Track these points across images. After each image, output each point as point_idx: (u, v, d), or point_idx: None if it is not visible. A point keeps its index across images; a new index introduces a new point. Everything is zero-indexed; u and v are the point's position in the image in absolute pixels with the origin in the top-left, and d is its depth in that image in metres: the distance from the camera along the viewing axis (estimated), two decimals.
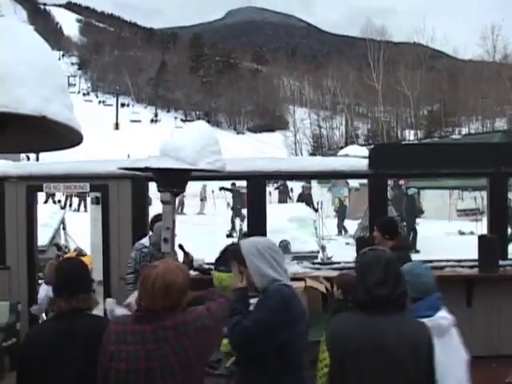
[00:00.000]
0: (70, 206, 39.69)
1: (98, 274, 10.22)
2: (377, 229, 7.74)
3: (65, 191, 16.06)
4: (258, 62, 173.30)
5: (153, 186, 6.39)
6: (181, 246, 8.10)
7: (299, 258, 11.42)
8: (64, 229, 18.54)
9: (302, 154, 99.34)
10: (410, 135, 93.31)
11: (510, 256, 9.91)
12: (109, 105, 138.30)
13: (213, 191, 37.17)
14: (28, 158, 57.42)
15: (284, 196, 34.35)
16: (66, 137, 2.90)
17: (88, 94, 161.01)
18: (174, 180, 5.58)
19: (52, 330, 4.04)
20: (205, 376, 3.78)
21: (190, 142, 5.50)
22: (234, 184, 29.32)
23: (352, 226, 24.68)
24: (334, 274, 7.29)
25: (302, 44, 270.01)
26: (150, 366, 3.37)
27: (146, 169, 5.54)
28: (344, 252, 16.61)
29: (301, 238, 16.95)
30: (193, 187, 35.98)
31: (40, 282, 9.89)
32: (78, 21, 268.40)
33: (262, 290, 4.21)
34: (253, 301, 4.36)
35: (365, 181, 10.77)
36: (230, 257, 4.74)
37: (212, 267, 8.37)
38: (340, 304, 5.79)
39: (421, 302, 4.54)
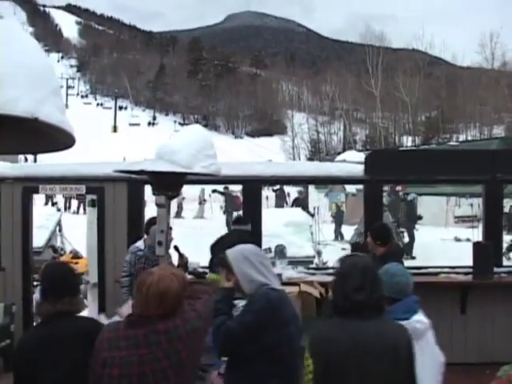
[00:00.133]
0: (70, 208, 39.73)
1: (93, 277, 10.24)
2: (369, 234, 7.80)
3: (61, 193, 16.02)
4: (257, 66, 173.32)
5: (148, 189, 6.39)
6: (176, 248, 8.12)
7: (295, 262, 11.44)
8: (60, 231, 18.54)
9: (299, 159, 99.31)
10: (408, 141, 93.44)
11: (504, 263, 9.92)
12: (107, 108, 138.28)
13: (210, 195, 37.22)
14: (26, 160, 57.43)
15: (281, 201, 34.37)
16: (58, 139, 2.90)
17: (86, 96, 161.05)
18: (168, 183, 5.58)
19: (40, 335, 4.06)
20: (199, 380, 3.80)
21: (185, 146, 5.50)
22: (226, 188, 29.32)
23: (349, 231, 24.65)
24: (329, 279, 7.27)
25: (300, 49, 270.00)
26: (142, 370, 3.37)
27: (141, 172, 5.54)
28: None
29: (297, 242, 16.98)
30: (191, 191, 36.05)
31: (35, 283, 9.90)
32: (78, 23, 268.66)
33: (251, 295, 4.22)
34: (239, 303, 4.38)
35: (362, 186, 10.79)
36: (218, 265, 4.77)
37: (206, 271, 8.42)
38: None
39: (398, 304, 4.60)
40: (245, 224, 9.09)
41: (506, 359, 3.58)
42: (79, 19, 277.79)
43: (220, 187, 28.53)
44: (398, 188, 26.65)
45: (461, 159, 9.83)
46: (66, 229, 19.09)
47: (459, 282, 9.41)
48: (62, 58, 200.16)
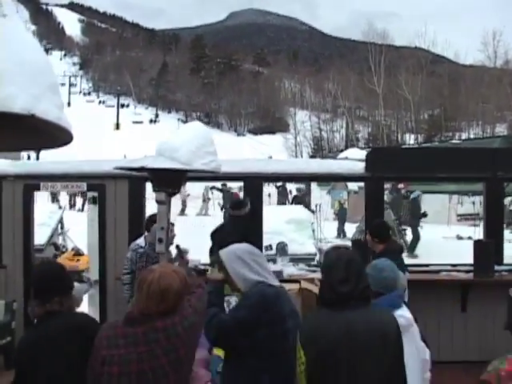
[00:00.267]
0: (75, 205, 39.84)
1: (95, 274, 10.25)
2: (368, 232, 7.86)
3: (62, 190, 16.03)
4: (260, 64, 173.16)
5: (150, 186, 6.40)
6: (178, 247, 8.12)
7: (296, 259, 11.44)
8: (62, 228, 18.57)
9: (302, 157, 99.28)
10: (411, 139, 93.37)
11: (505, 261, 9.91)
12: (110, 106, 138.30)
13: (212, 192, 37.25)
14: (29, 157, 57.62)
15: (283, 198, 34.40)
16: (56, 136, 2.91)
17: (89, 94, 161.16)
18: (169, 180, 5.59)
19: (34, 335, 4.07)
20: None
21: (185, 143, 5.51)
22: (224, 184, 29.29)
23: (351, 229, 24.65)
24: None
25: (303, 47, 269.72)
26: (141, 368, 3.37)
27: (142, 169, 5.55)
28: None
29: (298, 240, 16.99)
30: (195, 188, 36.10)
31: None
32: (80, 21, 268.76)
33: (246, 292, 4.23)
34: (231, 299, 4.39)
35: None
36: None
37: (207, 268, 8.44)
38: None
39: (382, 298, 4.67)
40: (240, 209, 9.07)
41: None
42: (82, 17, 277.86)
43: (225, 183, 28.52)
44: (401, 186, 26.63)
45: (462, 157, 9.83)
46: (71, 226, 19.11)
47: (460, 280, 9.42)
48: (65, 55, 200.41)
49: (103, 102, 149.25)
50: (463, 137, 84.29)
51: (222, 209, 31.35)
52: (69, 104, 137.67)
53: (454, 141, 59.47)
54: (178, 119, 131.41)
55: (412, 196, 23.21)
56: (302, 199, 28.33)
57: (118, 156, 40.81)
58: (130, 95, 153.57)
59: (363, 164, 9.74)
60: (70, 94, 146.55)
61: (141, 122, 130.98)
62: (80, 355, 3.69)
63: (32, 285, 4.23)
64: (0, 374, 7.99)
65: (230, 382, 4.21)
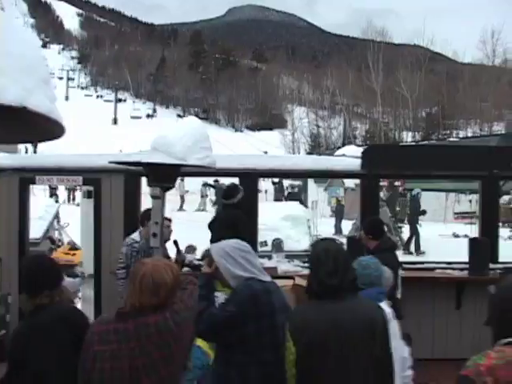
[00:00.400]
0: (74, 199, 39.85)
1: (88, 268, 10.24)
2: (362, 228, 7.90)
3: (58, 184, 16.00)
4: (258, 60, 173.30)
5: (145, 181, 6.39)
6: (175, 243, 8.13)
7: (292, 256, 11.43)
8: (58, 222, 18.55)
9: (299, 153, 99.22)
10: (408, 137, 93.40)
11: (500, 259, 9.92)
12: (108, 100, 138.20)
13: (209, 189, 37.30)
14: (26, 151, 57.67)
15: (280, 194, 34.42)
16: (47, 129, 2.90)
17: (87, 88, 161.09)
18: (163, 175, 5.58)
19: (24, 327, 4.07)
20: None
21: (181, 138, 5.50)
22: (216, 180, 29.25)
23: (348, 226, 24.64)
24: None
25: (301, 43, 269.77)
26: (134, 363, 3.37)
27: (136, 163, 5.55)
28: None
29: (294, 236, 16.98)
30: (194, 184, 36.13)
31: None
32: (79, 15, 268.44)
33: (235, 287, 4.25)
34: (220, 295, 4.39)
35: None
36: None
37: (202, 263, 8.44)
38: None
39: (363, 292, 4.69)
40: (232, 198, 9.03)
41: None
42: (80, 11, 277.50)
43: (218, 179, 28.50)
44: (397, 183, 26.65)
45: (458, 155, 9.82)
46: (68, 221, 19.05)
47: (455, 278, 9.42)
48: (63, 49, 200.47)
49: (101, 97, 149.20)
50: (461, 135, 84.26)
51: (213, 205, 31.39)
52: (67, 98, 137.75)
53: (451, 139, 59.44)
54: (178, 115, 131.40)
55: (412, 193, 23.25)
56: (297, 195, 28.31)
57: (116, 151, 40.86)
58: (128, 90, 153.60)
59: (359, 161, 9.74)
60: (67, 88, 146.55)
61: (139, 118, 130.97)
62: (70, 348, 3.70)
63: (22, 278, 4.24)
64: None
65: (220, 376, 4.21)
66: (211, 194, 36.04)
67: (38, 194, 31.99)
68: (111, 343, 3.42)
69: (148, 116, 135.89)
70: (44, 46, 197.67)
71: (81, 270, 11.04)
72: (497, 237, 9.84)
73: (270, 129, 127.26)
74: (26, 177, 9.70)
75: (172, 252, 8.13)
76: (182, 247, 8.98)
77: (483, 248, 9.28)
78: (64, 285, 4.46)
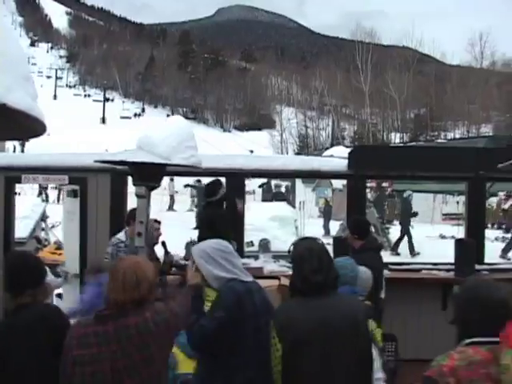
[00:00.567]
0: (63, 199, 39.58)
1: (70, 268, 10.17)
2: (347, 228, 7.94)
3: (44, 183, 15.98)
4: (247, 60, 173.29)
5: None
6: (163, 244, 8.11)
7: (279, 257, 11.42)
8: (44, 222, 18.46)
9: (287, 154, 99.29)
10: (396, 138, 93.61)
11: (488, 261, 9.95)
12: (97, 100, 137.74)
13: (191, 188, 37.22)
14: (14, 150, 57.59)
15: (268, 195, 34.36)
16: (28, 126, 2.88)
17: (75, 87, 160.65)
18: (148, 174, 5.56)
19: (3, 326, 4.02)
20: None
21: (165, 137, 5.48)
22: (199, 181, 29.11)
23: (336, 226, 24.62)
24: None
25: (291, 44, 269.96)
26: (115, 366, 3.37)
27: (121, 162, 5.52)
28: None
29: (281, 237, 16.95)
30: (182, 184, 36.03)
31: None
32: (68, 13, 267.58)
33: (219, 290, 4.24)
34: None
35: None
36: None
37: (188, 263, 8.42)
38: None
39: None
40: (214, 195, 8.98)
41: None
42: (69, 10, 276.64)
43: (200, 179, 28.31)
44: (385, 184, 26.70)
45: (444, 156, 9.84)
46: (56, 220, 18.96)
47: (441, 279, 9.44)
48: (52, 48, 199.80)
49: (88, 96, 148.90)
50: (449, 137, 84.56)
51: (196, 206, 31.32)
52: (55, 97, 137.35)
53: (439, 140, 59.62)
54: (168, 115, 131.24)
55: (403, 195, 23.30)
56: (281, 195, 28.28)
57: (102, 150, 40.73)
58: (117, 89, 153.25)
59: (346, 162, 9.74)
60: (56, 87, 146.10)
61: (129, 118, 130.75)
62: (49, 349, 3.66)
63: (4, 276, 4.12)
64: None
65: (205, 380, 4.20)
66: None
67: (27, 193, 31.91)
68: (91, 347, 3.41)
69: (135, 115, 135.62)
70: (32, 44, 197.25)
71: (64, 270, 10.97)
72: (483, 238, 9.87)
73: (259, 129, 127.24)
74: (12, 176, 9.63)
75: (160, 253, 8.13)
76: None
77: (469, 249, 9.29)
78: (47, 282, 4.43)
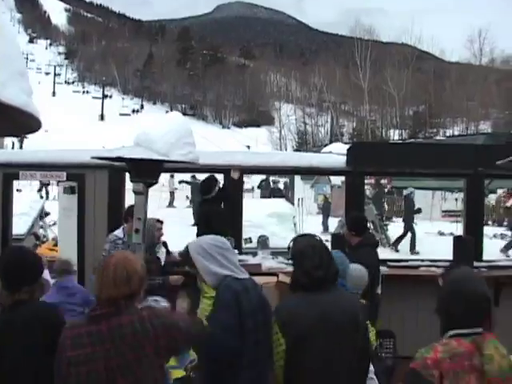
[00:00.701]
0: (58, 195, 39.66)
1: None
2: (345, 225, 7.97)
3: (41, 179, 15.93)
4: (246, 57, 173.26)
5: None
6: (165, 244, 8.11)
7: (277, 253, 11.41)
8: (42, 218, 18.44)
9: (286, 150, 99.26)
10: (395, 135, 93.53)
11: (486, 257, 9.95)
12: (96, 97, 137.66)
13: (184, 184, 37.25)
14: (13, 146, 57.71)
15: (267, 191, 34.36)
16: (24, 123, 2.86)
17: (73, 83, 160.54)
18: (146, 170, 5.53)
19: (1, 323, 3.98)
20: None
21: (164, 134, 5.46)
22: (193, 176, 29.09)
23: (335, 223, 24.60)
24: None
25: (289, 41, 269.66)
26: (109, 365, 3.36)
27: (118, 158, 5.49)
28: None
29: (280, 233, 16.95)
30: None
31: None
32: (66, 10, 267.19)
33: (215, 288, 4.23)
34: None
35: None
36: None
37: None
38: None
39: None
40: (210, 192, 8.97)
41: None
42: (68, 6, 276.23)
43: (195, 175, 28.27)
44: (384, 181, 26.68)
45: (443, 153, 9.83)
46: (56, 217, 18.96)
47: (438, 276, 9.43)
48: (51, 45, 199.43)
49: (87, 92, 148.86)
50: (448, 134, 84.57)
51: (191, 202, 31.30)
52: (54, 94, 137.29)
53: (438, 137, 59.63)
54: (166, 111, 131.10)
55: (405, 193, 23.31)
56: (278, 191, 28.27)
57: (99, 147, 40.81)
58: (116, 86, 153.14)
59: (345, 158, 9.73)
60: (54, 83, 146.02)
61: (128, 115, 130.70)
62: (46, 346, 3.65)
63: (1, 272, 4.05)
64: None
65: (205, 380, 4.20)
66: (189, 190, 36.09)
67: (26, 190, 31.89)
68: (85, 347, 3.40)
69: (134, 111, 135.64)
70: (31, 41, 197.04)
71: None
72: (482, 235, 9.87)
73: (258, 126, 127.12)
74: (10, 172, 9.63)
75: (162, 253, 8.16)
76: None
77: (468, 246, 9.29)
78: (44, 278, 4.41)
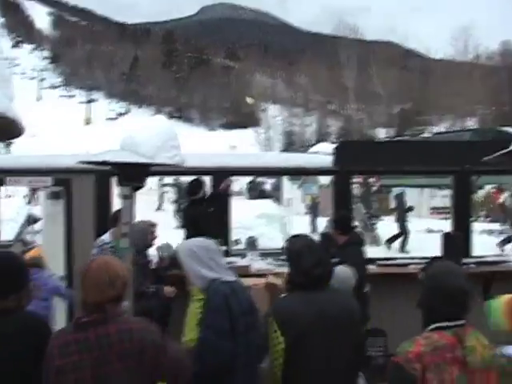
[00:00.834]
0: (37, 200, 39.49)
1: (58, 270, 10.10)
2: (331, 224, 8.04)
3: (27, 185, 15.90)
4: (231, 58, 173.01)
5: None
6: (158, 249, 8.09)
7: (266, 254, 11.41)
8: (30, 224, 18.36)
9: (273, 151, 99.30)
10: (382, 133, 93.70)
11: (474, 253, 9.97)
12: (82, 102, 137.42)
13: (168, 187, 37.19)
14: None
15: (255, 192, 34.39)
16: (5, 128, 2.82)
17: (59, 87, 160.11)
18: (132, 174, 5.50)
19: None
20: None
21: (149, 138, 5.44)
22: (176, 179, 29.08)
23: (323, 223, 24.59)
24: None
25: (274, 41, 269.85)
26: (97, 373, 3.34)
27: (104, 162, 5.46)
28: None
29: (268, 234, 16.96)
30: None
31: None
32: (50, 14, 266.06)
33: (203, 291, 4.21)
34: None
35: None
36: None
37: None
38: None
39: None
40: (196, 193, 8.96)
41: None
42: (51, 10, 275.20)
43: (177, 178, 28.23)
44: (372, 180, 26.69)
45: (430, 150, 9.86)
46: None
47: None
48: (35, 49, 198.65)
49: (72, 96, 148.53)
50: (434, 131, 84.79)
51: (173, 203, 31.28)
52: (39, 98, 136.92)
53: (425, 134, 59.76)
54: (153, 115, 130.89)
55: (395, 193, 23.32)
56: (264, 192, 28.32)
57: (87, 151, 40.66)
58: (101, 89, 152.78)
59: (331, 158, 9.73)
60: (39, 88, 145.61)
61: (115, 119, 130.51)
62: (33, 355, 3.60)
63: None
64: None
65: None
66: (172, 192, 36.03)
67: (14, 196, 31.78)
68: (72, 355, 3.37)
69: (120, 114, 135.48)
70: (15, 45, 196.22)
71: None
72: (470, 231, 9.89)
73: (244, 127, 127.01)
74: None
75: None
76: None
77: (456, 242, 9.31)
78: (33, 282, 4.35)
